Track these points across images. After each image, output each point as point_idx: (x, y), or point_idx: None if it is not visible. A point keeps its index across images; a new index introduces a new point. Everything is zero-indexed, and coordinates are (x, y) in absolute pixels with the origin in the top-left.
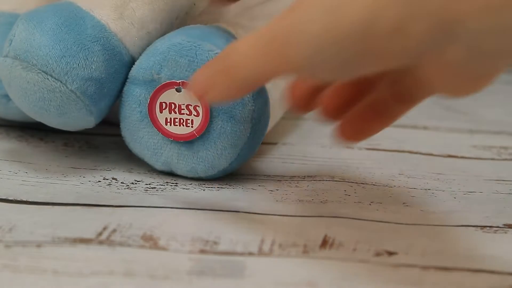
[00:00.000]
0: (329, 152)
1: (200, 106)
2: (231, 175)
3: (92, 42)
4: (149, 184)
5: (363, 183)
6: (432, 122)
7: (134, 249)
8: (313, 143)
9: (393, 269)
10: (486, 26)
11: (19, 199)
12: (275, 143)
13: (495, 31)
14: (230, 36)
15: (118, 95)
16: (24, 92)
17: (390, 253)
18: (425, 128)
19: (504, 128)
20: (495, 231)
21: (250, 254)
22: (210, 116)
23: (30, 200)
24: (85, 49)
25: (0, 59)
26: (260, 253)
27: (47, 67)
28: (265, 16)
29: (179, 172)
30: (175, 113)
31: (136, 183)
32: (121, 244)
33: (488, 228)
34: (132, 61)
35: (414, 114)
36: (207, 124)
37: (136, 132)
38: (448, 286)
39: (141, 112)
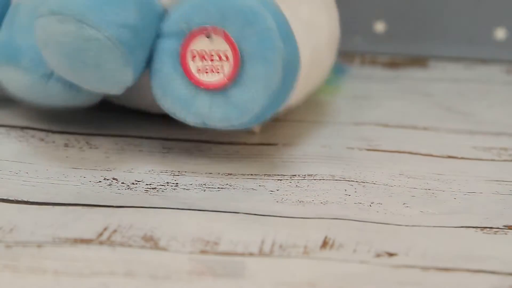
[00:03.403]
0: (329, 152)
1: (230, 51)
2: (231, 175)
3: None
4: (150, 184)
5: (364, 182)
6: (432, 122)
7: (135, 249)
8: (313, 144)
9: (393, 270)
10: None
11: (19, 199)
12: (275, 144)
13: None
14: None
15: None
16: (61, 47)
17: (390, 254)
18: (425, 128)
19: (504, 129)
20: (495, 232)
21: (251, 254)
22: (241, 60)
23: (30, 200)
24: None
25: (35, 22)
26: (261, 253)
27: (81, 16)
28: None
29: (211, 122)
30: (206, 61)
31: (136, 183)
32: (122, 244)
33: (488, 229)
34: (164, 13)
35: (414, 114)
36: (238, 69)
37: (167, 85)
38: (448, 287)
39: (172, 64)
